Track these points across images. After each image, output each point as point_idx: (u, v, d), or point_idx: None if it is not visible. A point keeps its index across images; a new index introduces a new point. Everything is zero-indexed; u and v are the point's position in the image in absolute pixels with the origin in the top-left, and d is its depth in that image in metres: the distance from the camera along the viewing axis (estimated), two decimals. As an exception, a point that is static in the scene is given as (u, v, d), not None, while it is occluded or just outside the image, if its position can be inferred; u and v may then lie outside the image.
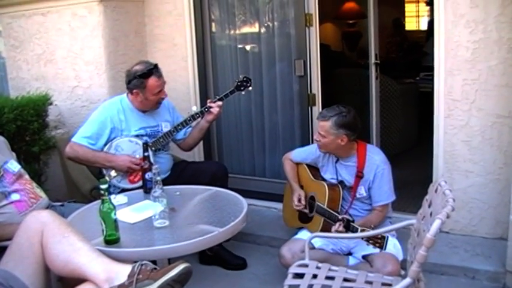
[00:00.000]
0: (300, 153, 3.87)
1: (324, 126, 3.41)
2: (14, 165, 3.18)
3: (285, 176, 3.92)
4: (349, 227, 3.24)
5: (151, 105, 3.82)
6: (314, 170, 3.76)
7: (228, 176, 4.05)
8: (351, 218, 3.34)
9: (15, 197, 3.05)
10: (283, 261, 3.49)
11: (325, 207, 3.45)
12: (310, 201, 3.63)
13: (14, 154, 3.42)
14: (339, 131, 3.37)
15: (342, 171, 3.56)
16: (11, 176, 3.10)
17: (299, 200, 3.63)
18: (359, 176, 3.47)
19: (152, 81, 3.71)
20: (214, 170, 3.95)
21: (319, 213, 3.50)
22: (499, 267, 3.61)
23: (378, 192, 3.45)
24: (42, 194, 3.25)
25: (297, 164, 3.86)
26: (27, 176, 3.25)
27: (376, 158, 3.48)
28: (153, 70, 3.72)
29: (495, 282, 3.59)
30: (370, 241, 3.04)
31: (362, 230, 3.14)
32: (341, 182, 3.56)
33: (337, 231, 3.26)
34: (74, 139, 3.78)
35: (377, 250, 3.06)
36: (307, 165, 3.80)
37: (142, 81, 3.71)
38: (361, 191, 3.48)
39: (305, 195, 3.67)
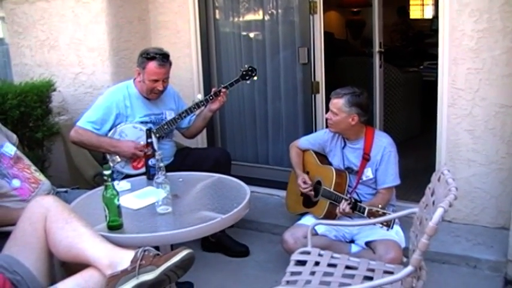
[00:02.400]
0: (308, 139, 3.89)
1: (337, 103, 3.45)
2: (10, 148, 3.15)
3: (288, 163, 3.94)
4: (356, 207, 3.26)
5: (145, 90, 3.80)
6: (321, 156, 3.78)
7: (231, 162, 4.05)
8: (358, 199, 3.37)
9: (16, 183, 3.04)
10: (285, 246, 3.51)
11: (331, 190, 3.47)
12: (317, 185, 3.64)
13: (14, 136, 3.39)
14: (351, 109, 3.42)
15: (350, 155, 3.58)
16: (8, 160, 3.08)
17: (304, 182, 3.65)
18: (365, 158, 3.50)
19: (151, 65, 3.71)
20: (217, 156, 3.96)
21: (325, 197, 3.52)
22: (501, 256, 3.62)
23: (384, 174, 3.48)
24: (41, 177, 3.23)
25: (304, 151, 3.87)
26: (25, 160, 3.23)
27: (383, 140, 3.52)
28: (157, 56, 3.72)
29: (496, 271, 3.60)
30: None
31: (370, 210, 3.16)
32: (347, 168, 3.58)
33: (343, 211, 3.29)
34: (78, 123, 3.80)
35: (384, 229, 3.08)
36: (314, 151, 3.82)
37: (144, 61, 3.74)
38: (368, 173, 3.51)
39: (310, 179, 3.69)
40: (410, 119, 6.51)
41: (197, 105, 3.89)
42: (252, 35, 5.11)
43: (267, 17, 4.98)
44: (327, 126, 3.68)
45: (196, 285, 3.48)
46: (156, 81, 3.74)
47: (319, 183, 3.63)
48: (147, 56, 3.73)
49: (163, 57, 3.74)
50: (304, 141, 3.88)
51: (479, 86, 3.82)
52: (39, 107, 4.46)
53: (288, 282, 2.68)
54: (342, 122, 3.46)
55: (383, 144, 3.50)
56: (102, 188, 2.65)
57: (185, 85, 5.00)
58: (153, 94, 3.81)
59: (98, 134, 3.74)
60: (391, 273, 2.66)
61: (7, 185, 3.00)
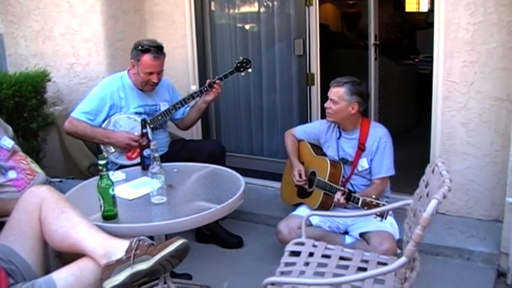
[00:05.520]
0: (304, 129, 3.89)
1: (338, 91, 3.46)
2: (8, 142, 3.16)
3: (283, 155, 3.94)
4: (350, 197, 3.27)
5: (140, 82, 3.80)
6: (316, 146, 3.79)
7: (226, 155, 4.04)
8: (352, 189, 3.38)
9: (12, 174, 3.05)
10: (280, 237, 3.53)
11: (326, 180, 3.48)
12: (311, 176, 3.65)
13: (9, 129, 3.40)
14: (352, 98, 3.43)
15: (345, 145, 3.59)
16: (5, 152, 3.09)
17: (300, 175, 3.65)
18: (361, 148, 3.51)
19: (146, 58, 3.70)
20: (211, 149, 3.95)
21: (320, 187, 3.53)
22: (494, 249, 3.64)
23: (379, 164, 3.49)
24: (37, 169, 3.25)
25: (299, 141, 3.88)
26: (21, 152, 3.25)
27: (379, 131, 3.54)
28: (151, 48, 3.71)
29: (489, 263, 3.62)
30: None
31: (364, 200, 3.18)
32: (342, 159, 3.59)
33: (338, 201, 3.31)
34: (73, 114, 3.79)
35: (378, 219, 3.10)
36: (308, 142, 3.82)
37: (138, 53, 3.73)
38: (363, 163, 3.52)
39: (305, 170, 3.70)
40: (405, 111, 6.51)
41: (191, 96, 3.89)
42: (247, 26, 5.11)
43: (262, 9, 4.98)
44: (322, 118, 3.68)
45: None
46: (150, 73, 3.74)
47: (313, 174, 3.64)
48: (141, 49, 3.72)
49: (157, 50, 3.73)
50: (300, 130, 3.88)
51: (474, 79, 3.83)
52: (34, 97, 4.45)
53: (282, 272, 2.68)
54: (342, 110, 3.47)
55: (379, 134, 3.51)
56: (97, 178, 2.65)
57: (180, 76, 5.00)
58: (148, 86, 3.81)
59: (92, 124, 3.74)
60: (385, 264, 2.66)
61: (3, 176, 3.00)
